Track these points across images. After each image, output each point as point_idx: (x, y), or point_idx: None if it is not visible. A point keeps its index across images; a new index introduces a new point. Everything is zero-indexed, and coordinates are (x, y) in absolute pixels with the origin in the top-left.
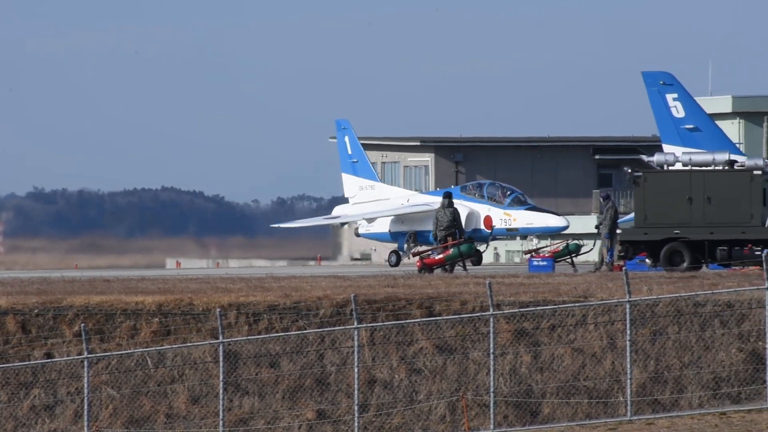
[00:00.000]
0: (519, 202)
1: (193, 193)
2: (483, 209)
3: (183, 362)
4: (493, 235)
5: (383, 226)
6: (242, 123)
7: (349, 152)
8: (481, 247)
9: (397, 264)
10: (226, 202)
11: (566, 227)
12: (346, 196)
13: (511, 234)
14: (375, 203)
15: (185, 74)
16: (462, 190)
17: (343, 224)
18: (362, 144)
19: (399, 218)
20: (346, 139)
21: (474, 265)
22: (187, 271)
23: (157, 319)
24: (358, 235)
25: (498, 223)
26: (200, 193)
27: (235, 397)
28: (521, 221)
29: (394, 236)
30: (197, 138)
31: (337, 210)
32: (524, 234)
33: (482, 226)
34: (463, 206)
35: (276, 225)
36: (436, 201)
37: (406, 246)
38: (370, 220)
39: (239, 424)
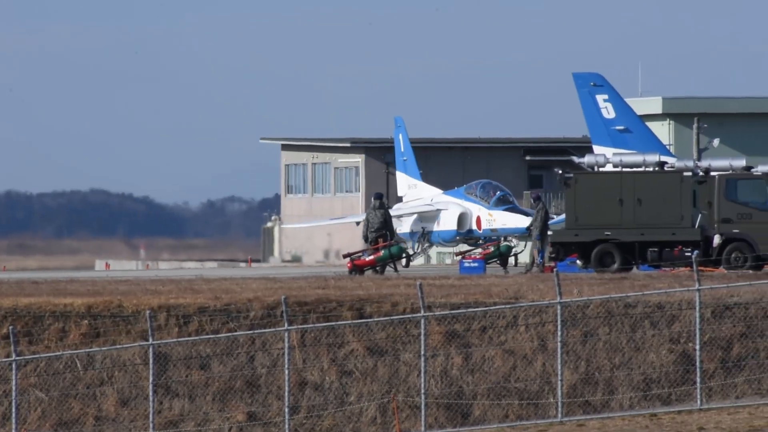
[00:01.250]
0: (501, 202)
1: (122, 195)
2: (475, 209)
3: (112, 364)
4: (483, 236)
5: (407, 225)
6: (171, 124)
7: (402, 150)
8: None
9: (406, 264)
10: (155, 203)
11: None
12: (399, 195)
13: (494, 235)
14: (413, 202)
15: (113, 74)
16: (466, 190)
17: (357, 223)
18: (291, 145)
19: (419, 217)
20: (400, 137)
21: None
22: (117, 273)
23: (86, 321)
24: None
25: (485, 224)
26: (129, 195)
27: (165, 399)
28: (498, 222)
29: (412, 236)
30: (126, 139)
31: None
32: (503, 235)
33: (475, 227)
34: (460, 206)
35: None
36: (450, 200)
37: (418, 245)
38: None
39: (169, 426)
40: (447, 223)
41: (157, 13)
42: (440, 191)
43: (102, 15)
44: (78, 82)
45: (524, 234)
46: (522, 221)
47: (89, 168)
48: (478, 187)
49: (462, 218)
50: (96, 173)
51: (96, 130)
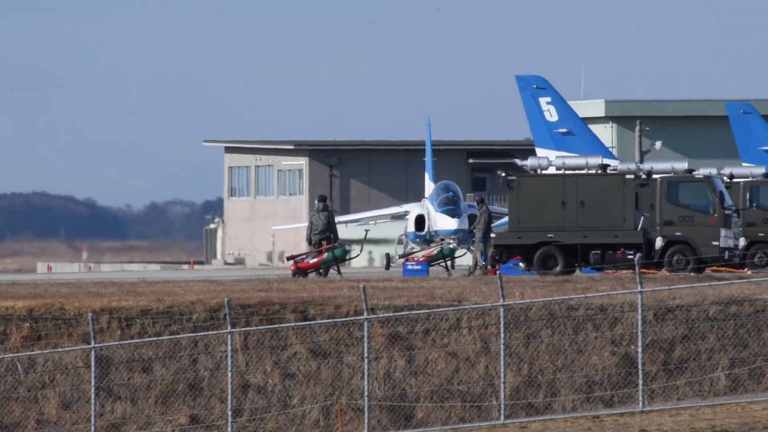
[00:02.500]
0: (443, 204)
1: (64, 197)
2: (431, 211)
3: (54, 367)
4: (438, 237)
5: (408, 227)
6: (114, 126)
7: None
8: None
9: (386, 267)
10: (98, 206)
11: (458, 230)
12: (426, 195)
13: (437, 237)
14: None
15: (55, 76)
16: (432, 191)
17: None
18: (234, 147)
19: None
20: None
21: (452, 268)
22: (59, 276)
23: (27, 324)
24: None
25: (432, 225)
26: (71, 197)
27: (107, 403)
28: (436, 224)
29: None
30: (68, 141)
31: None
32: (442, 237)
33: (432, 228)
34: (421, 208)
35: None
36: (419, 203)
37: (402, 247)
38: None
39: (111, 429)
40: (410, 225)
41: (98, 16)
42: None
43: (41, 16)
44: (18, 85)
45: (451, 236)
46: (452, 224)
47: (31, 170)
48: (436, 188)
49: (419, 220)
50: (38, 176)
51: (37, 132)
